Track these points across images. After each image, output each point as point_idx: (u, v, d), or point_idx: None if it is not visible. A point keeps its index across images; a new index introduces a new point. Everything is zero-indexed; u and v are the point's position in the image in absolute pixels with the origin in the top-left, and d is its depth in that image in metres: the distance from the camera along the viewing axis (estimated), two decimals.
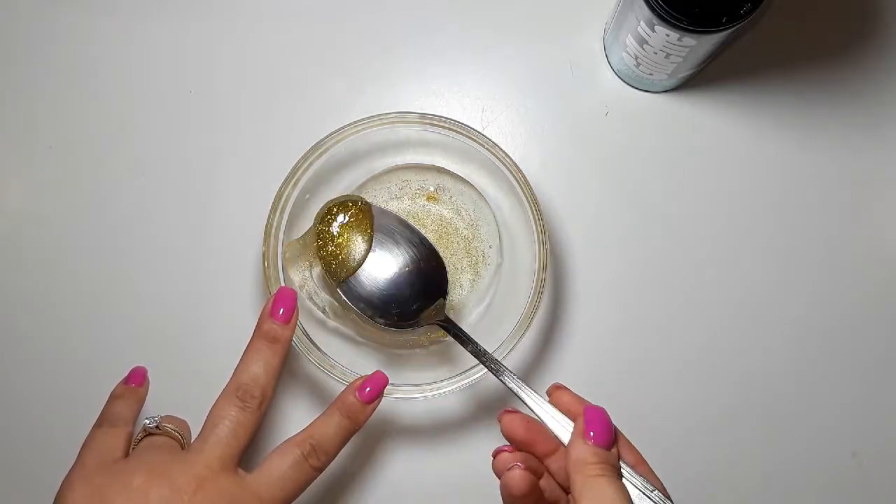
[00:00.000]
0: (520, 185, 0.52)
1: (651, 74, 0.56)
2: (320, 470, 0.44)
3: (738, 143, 0.59)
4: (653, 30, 0.50)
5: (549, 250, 0.51)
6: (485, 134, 0.52)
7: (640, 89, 0.60)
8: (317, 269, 0.54)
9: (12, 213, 0.60)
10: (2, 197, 0.60)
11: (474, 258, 0.56)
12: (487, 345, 0.50)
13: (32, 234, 0.59)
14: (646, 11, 0.49)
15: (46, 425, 0.58)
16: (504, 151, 0.52)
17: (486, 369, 0.49)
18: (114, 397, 0.47)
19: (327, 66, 0.60)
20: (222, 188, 0.59)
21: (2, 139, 0.60)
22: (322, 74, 0.60)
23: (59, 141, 0.60)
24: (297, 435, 0.44)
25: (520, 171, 0.52)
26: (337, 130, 0.52)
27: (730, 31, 0.48)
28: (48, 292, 0.59)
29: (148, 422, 0.45)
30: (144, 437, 0.44)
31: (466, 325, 0.55)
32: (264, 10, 0.61)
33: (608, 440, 0.42)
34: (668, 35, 0.49)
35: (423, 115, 0.52)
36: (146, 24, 0.61)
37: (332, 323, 0.55)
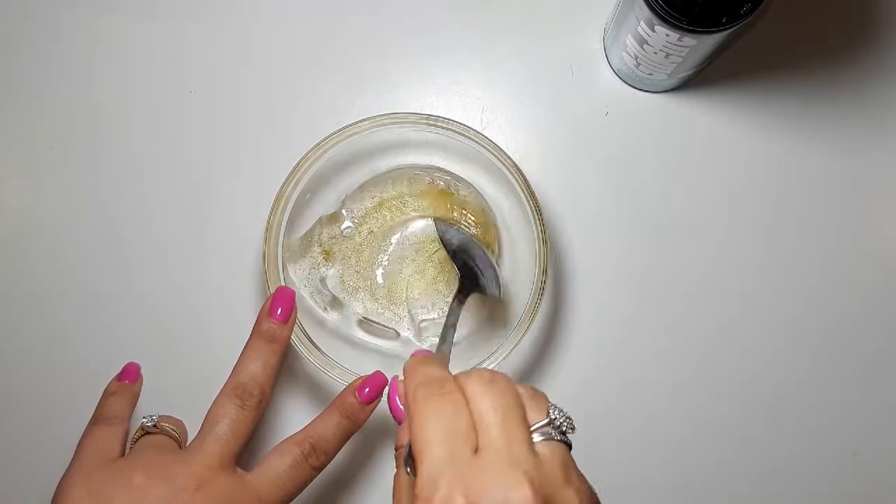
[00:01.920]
0: (519, 186, 0.52)
1: (651, 74, 0.56)
2: (319, 469, 0.44)
3: (738, 143, 0.59)
4: (653, 30, 0.50)
5: (549, 250, 0.51)
6: (484, 134, 0.52)
7: (640, 89, 0.60)
8: (324, 270, 0.54)
9: (12, 212, 0.60)
10: (2, 197, 0.60)
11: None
12: (488, 346, 0.50)
13: (32, 234, 0.59)
14: (646, 11, 0.49)
15: (45, 423, 0.58)
16: (504, 151, 0.52)
17: (491, 367, 0.49)
18: (108, 394, 0.47)
19: (327, 66, 0.60)
20: (222, 188, 0.59)
21: (2, 139, 0.60)
22: (322, 74, 0.60)
23: (59, 141, 0.60)
24: (296, 434, 0.45)
25: (520, 171, 0.52)
26: (338, 131, 0.52)
27: (730, 31, 0.48)
28: (47, 292, 0.59)
29: (146, 420, 0.45)
30: (142, 435, 0.44)
31: (465, 326, 0.55)
32: (264, 10, 0.61)
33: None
34: (668, 35, 0.49)
35: (423, 116, 0.52)
36: (146, 23, 0.61)
37: (331, 323, 0.55)
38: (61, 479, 0.42)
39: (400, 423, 0.38)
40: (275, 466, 0.43)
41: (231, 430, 0.42)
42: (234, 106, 0.60)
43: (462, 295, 0.49)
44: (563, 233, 0.58)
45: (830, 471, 0.57)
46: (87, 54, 0.61)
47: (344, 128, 0.52)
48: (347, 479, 0.57)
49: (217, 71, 0.60)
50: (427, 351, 0.41)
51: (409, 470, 0.35)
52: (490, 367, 0.50)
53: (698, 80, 0.59)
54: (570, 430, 0.35)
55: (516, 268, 0.55)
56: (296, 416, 0.57)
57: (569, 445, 0.35)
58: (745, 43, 0.59)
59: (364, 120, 0.52)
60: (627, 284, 0.58)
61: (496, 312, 0.56)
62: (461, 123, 0.52)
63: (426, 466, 0.32)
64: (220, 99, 0.60)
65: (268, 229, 0.51)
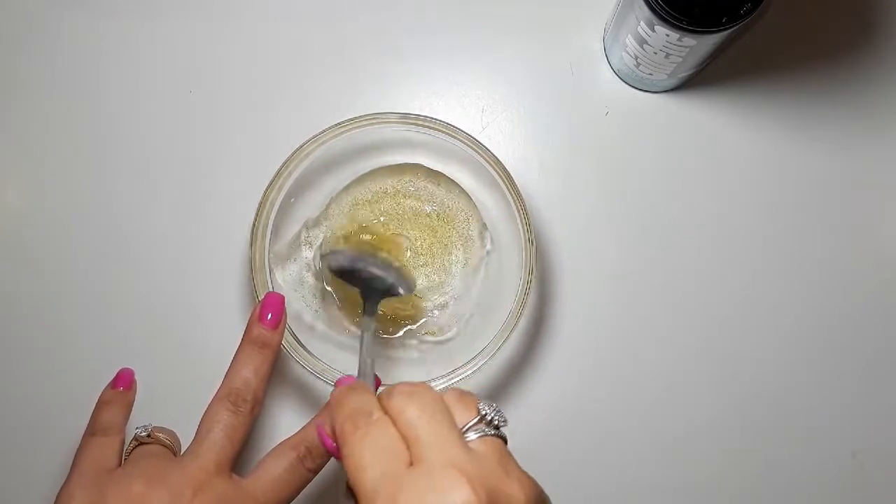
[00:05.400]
0: (505, 184, 0.52)
1: (651, 74, 0.56)
2: (315, 472, 0.44)
3: (738, 143, 0.59)
4: (653, 30, 0.50)
5: (535, 249, 0.51)
6: (466, 131, 0.52)
7: (640, 89, 0.59)
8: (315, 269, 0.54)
9: (11, 212, 0.60)
10: (2, 196, 0.60)
11: (463, 258, 0.55)
12: (476, 344, 0.50)
13: (30, 235, 0.59)
14: (646, 11, 0.49)
15: (41, 424, 0.58)
16: (488, 150, 0.51)
17: (477, 367, 0.49)
18: (102, 403, 0.47)
19: (327, 67, 0.60)
20: (222, 189, 0.59)
21: (2, 139, 0.60)
22: (322, 75, 0.60)
23: (59, 141, 0.60)
24: (291, 438, 0.45)
25: (502, 166, 0.51)
26: (319, 133, 0.52)
27: (730, 31, 0.48)
28: (46, 292, 0.59)
29: (139, 430, 0.44)
30: (137, 446, 0.44)
31: (455, 326, 0.55)
32: (264, 11, 0.61)
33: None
34: (668, 35, 0.49)
35: (405, 116, 0.52)
36: (146, 24, 0.61)
37: (321, 327, 0.55)
38: (60, 491, 0.42)
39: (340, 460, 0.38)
40: (271, 470, 0.43)
41: (226, 436, 0.42)
42: (235, 106, 0.60)
43: (369, 307, 0.49)
44: (561, 232, 0.58)
45: (830, 471, 0.57)
46: (86, 55, 0.61)
47: (325, 130, 0.52)
48: (344, 480, 0.57)
49: (217, 71, 0.60)
50: (350, 377, 0.42)
51: (349, 499, 0.35)
52: (478, 366, 0.50)
53: (698, 80, 0.59)
54: (503, 424, 0.35)
55: (504, 268, 0.55)
56: (288, 421, 0.57)
57: (504, 440, 0.35)
58: (745, 43, 0.59)
59: (346, 122, 0.52)
60: (626, 284, 0.58)
61: (487, 308, 0.56)
62: (445, 122, 0.52)
63: (362, 488, 0.32)
64: (220, 99, 0.60)
65: (253, 235, 0.51)
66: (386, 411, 0.35)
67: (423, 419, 0.33)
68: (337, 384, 0.39)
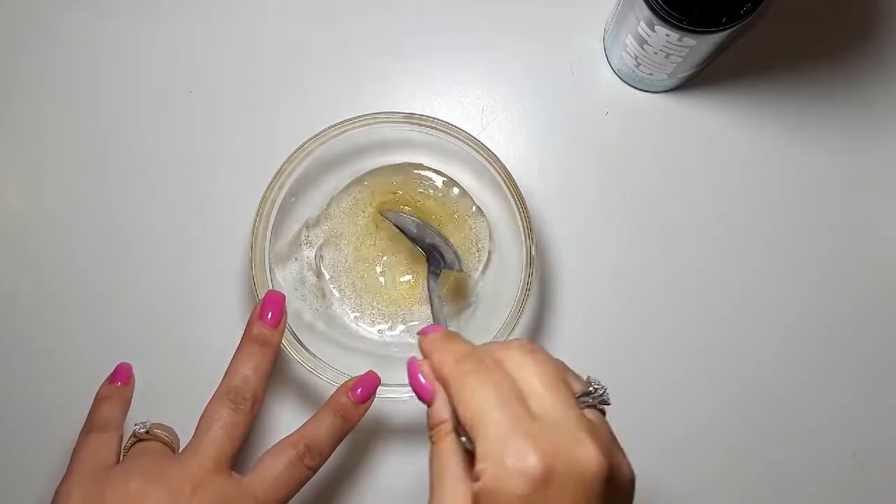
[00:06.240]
0: (506, 184, 0.52)
1: (651, 74, 0.56)
2: (314, 470, 0.44)
3: (738, 143, 0.59)
4: (653, 30, 0.50)
5: (535, 248, 0.51)
6: (466, 130, 0.52)
7: (640, 89, 0.60)
8: (315, 269, 0.54)
9: (11, 212, 0.60)
10: (2, 196, 0.60)
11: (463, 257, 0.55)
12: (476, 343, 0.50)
13: (30, 235, 0.59)
14: (646, 11, 0.49)
15: (41, 424, 0.58)
16: (489, 149, 0.52)
17: None
18: (100, 399, 0.47)
19: (328, 67, 0.60)
20: (222, 189, 0.59)
21: (2, 139, 0.60)
22: (322, 75, 0.60)
23: (60, 141, 0.60)
24: (290, 435, 0.45)
25: (506, 170, 0.51)
26: (319, 133, 0.52)
27: (730, 31, 0.48)
28: (42, 293, 0.59)
29: (138, 427, 0.44)
30: (135, 442, 0.44)
31: (455, 323, 0.55)
32: (264, 11, 0.61)
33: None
34: (668, 35, 0.49)
35: (406, 115, 0.52)
36: (146, 24, 0.61)
37: (321, 326, 0.55)
38: (58, 488, 0.42)
39: (428, 403, 0.37)
40: (270, 468, 0.43)
41: (226, 433, 0.42)
42: (234, 106, 0.60)
43: (434, 272, 0.51)
44: (561, 232, 0.58)
45: (830, 471, 0.57)
46: (86, 55, 0.61)
47: (326, 129, 0.52)
48: (341, 479, 0.57)
49: (217, 71, 0.60)
50: (437, 327, 0.41)
51: (464, 439, 0.34)
52: None
53: (698, 80, 0.59)
54: (607, 404, 0.35)
55: (505, 266, 0.55)
56: (286, 419, 0.57)
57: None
58: (745, 43, 0.59)
59: (347, 121, 0.52)
60: (626, 284, 0.58)
61: (487, 307, 0.55)
62: (445, 122, 0.52)
63: (490, 428, 0.32)
64: (220, 99, 0.60)
65: (253, 234, 0.51)
66: (500, 363, 0.35)
67: (544, 378, 0.34)
68: (421, 333, 0.39)
